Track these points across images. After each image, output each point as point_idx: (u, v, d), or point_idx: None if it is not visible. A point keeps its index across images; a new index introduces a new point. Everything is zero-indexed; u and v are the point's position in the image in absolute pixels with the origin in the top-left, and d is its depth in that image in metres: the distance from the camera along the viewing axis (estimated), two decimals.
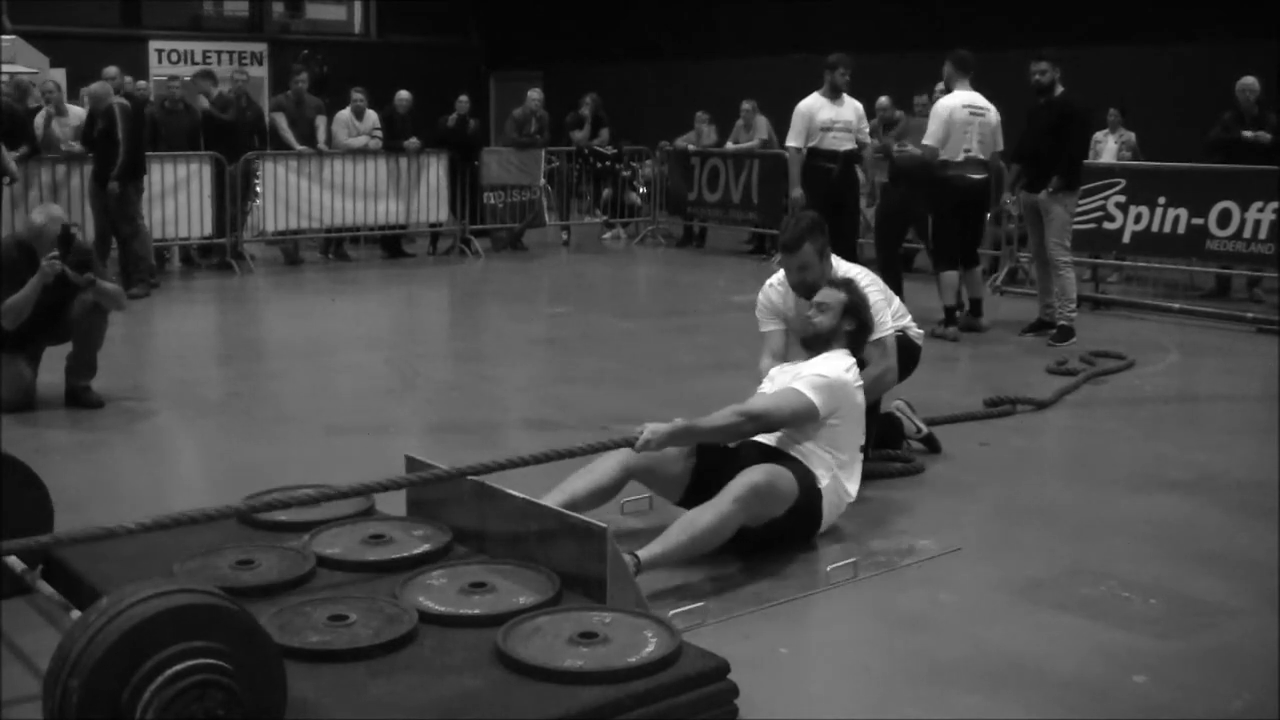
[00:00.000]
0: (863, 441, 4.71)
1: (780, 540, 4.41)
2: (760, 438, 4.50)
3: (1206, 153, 10.95)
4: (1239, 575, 4.36)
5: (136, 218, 10.75)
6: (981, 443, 6.09)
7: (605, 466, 4.40)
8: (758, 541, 4.34)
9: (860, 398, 4.66)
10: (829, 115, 9.64)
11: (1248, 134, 10.63)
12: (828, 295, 4.86)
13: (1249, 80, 10.80)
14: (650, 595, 3.77)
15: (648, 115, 18.31)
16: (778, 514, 4.29)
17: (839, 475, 4.54)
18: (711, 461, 4.48)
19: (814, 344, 4.77)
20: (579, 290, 12.08)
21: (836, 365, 4.63)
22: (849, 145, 9.70)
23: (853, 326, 4.82)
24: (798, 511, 4.36)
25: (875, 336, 5.09)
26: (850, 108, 9.76)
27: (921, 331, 5.73)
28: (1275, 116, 10.79)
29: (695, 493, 4.41)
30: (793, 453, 4.48)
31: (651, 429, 4.25)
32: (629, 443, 4.27)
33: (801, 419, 4.45)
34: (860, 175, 10.38)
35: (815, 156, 9.65)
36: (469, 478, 4.05)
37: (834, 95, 9.68)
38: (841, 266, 5.30)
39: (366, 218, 13.17)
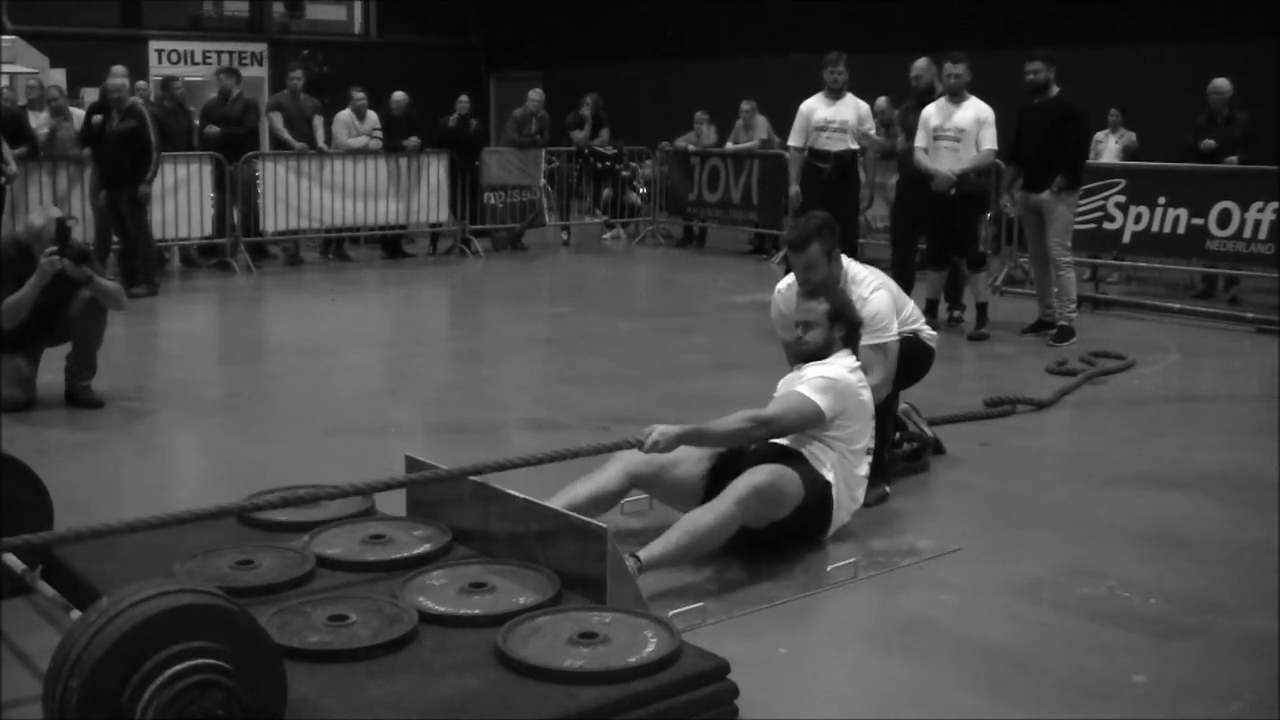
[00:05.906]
0: (871, 443, 4.64)
1: (789, 540, 4.40)
2: (774, 440, 4.48)
3: (1184, 157, 11.01)
4: (1239, 575, 4.36)
5: (146, 218, 10.73)
6: (981, 443, 6.09)
7: (609, 473, 4.37)
8: (764, 542, 4.32)
9: (867, 395, 4.62)
10: (823, 115, 9.61)
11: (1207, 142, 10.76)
12: (808, 310, 4.67)
13: (1220, 82, 10.86)
14: (650, 595, 3.77)
15: (648, 115, 18.30)
16: (780, 516, 4.26)
17: (849, 476, 4.51)
18: (728, 468, 4.37)
19: (809, 361, 4.62)
20: (579, 290, 12.08)
21: (839, 366, 4.57)
22: (842, 146, 9.66)
23: (844, 331, 4.67)
24: (806, 511, 4.33)
25: (878, 341, 5.00)
26: (850, 107, 9.69)
27: (935, 334, 5.65)
28: (1243, 115, 10.84)
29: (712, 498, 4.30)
30: (804, 453, 4.45)
31: (661, 430, 4.17)
32: (637, 444, 4.22)
33: (809, 422, 4.42)
34: (861, 175, 10.33)
35: (810, 156, 9.67)
36: (469, 478, 4.05)
37: (831, 95, 9.66)
38: (853, 268, 5.19)
39: (366, 218, 13.16)
